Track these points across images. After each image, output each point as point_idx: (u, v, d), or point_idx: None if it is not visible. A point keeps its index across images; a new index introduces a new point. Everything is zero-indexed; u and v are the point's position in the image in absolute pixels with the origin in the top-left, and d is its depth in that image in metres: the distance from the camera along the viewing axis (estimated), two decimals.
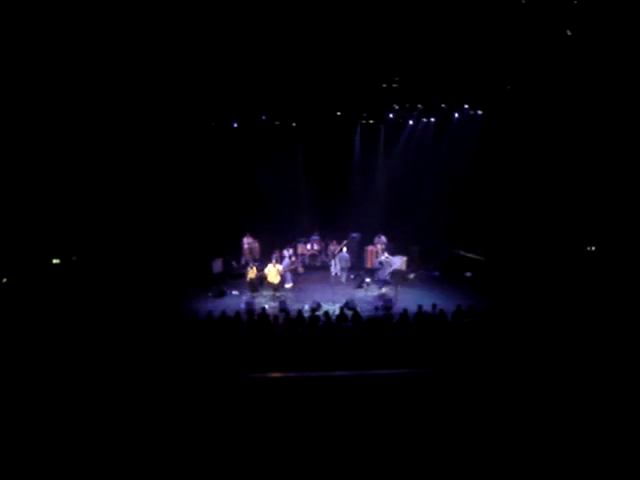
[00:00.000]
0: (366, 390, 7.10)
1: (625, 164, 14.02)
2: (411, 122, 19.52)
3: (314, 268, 18.44)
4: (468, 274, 16.50)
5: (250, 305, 13.07)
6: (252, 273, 15.20)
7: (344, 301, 13.11)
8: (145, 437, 6.04)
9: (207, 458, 5.75)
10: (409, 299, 13.87)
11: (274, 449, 5.88)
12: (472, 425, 6.29)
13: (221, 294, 15.18)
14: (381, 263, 15.59)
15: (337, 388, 7.13)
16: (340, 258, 17.11)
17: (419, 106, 18.49)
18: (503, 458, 5.73)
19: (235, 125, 19.01)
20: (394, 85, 16.45)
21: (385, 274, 15.46)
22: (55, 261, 15.47)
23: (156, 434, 6.09)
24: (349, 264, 17.00)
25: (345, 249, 17.22)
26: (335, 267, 17.55)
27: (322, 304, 13.18)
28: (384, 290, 15.20)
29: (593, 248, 15.47)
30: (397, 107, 18.72)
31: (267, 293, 15.12)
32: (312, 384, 7.24)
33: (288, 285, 15.77)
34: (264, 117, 18.86)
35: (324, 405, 6.64)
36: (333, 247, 17.87)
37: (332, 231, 18.87)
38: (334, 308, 12.57)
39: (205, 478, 5.56)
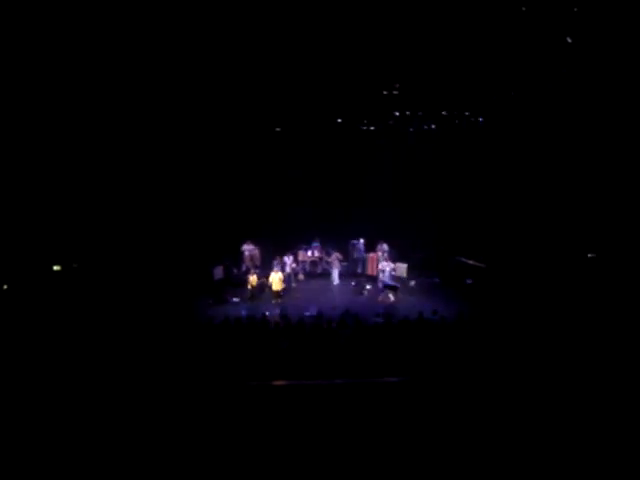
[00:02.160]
0: (367, 398, 7.08)
1: (626, 171, 14.03)
2: (412, 129, 19.55)
3: (315, 275, 18.43)
4: (469, 281, 16.49)
5: (251, 312, 13.04)
6: (253, 280, 15.20)
7: (345, 308, 13.07)
8: (148, 444, 6.02)
9: (209, 465, 5.73)
10: (410, 306, 13.85)
11: (275, 456, 5.86)
12: (473, 430, 6.27)
13: (222, 301, 15.16)
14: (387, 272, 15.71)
15: (338, 396, 7.12)
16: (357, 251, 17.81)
17: (420, 113, 18.53)
18: (508, 464, 5.71)
19: (237, 133, 19.06)
20: (395, 92, 16.52)
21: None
22: (56, 268, 15.46)
23: (159, 442, 6.07)
24: (362, 255, 17.71)
25: (363, 241, 18.08)
26: (336, 280, 17.64)
27: (323, 311, 13.14)
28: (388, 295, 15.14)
29: (594, 255, 15.45)
30: (398, 114, 18.77)
31: (268, 300, 15.11)
32: (313, 392, 7.23)
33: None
34: (266, 124, 18.89)
35: (326, 413, 6.62)
36: (333, 258, 17.89)
37: (333, 238, 18.85)
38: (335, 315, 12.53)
39: None
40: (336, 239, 18.78)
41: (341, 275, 17.80)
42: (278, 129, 19.26)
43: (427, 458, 5.86)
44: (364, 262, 18.02)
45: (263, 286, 15.39)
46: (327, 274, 18.10)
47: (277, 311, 13.62)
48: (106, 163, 16.16)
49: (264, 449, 5.96)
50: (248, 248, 17.89)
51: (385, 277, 15.71)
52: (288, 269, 16.87)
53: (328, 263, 18.06)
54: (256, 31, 12.47)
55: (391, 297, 15.03)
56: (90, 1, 11.35)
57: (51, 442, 6.06)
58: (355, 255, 17.98)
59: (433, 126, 19.29)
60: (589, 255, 15.48)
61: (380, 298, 15.12)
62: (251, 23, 12.20)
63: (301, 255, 18.58)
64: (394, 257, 16.93)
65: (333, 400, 6.94)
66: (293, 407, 6.77)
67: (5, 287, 13.91)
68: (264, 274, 15.86)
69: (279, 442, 6.09)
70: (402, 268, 16.52)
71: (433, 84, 15.62)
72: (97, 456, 5.86)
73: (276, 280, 14.97)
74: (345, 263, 18.92)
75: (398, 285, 15.45)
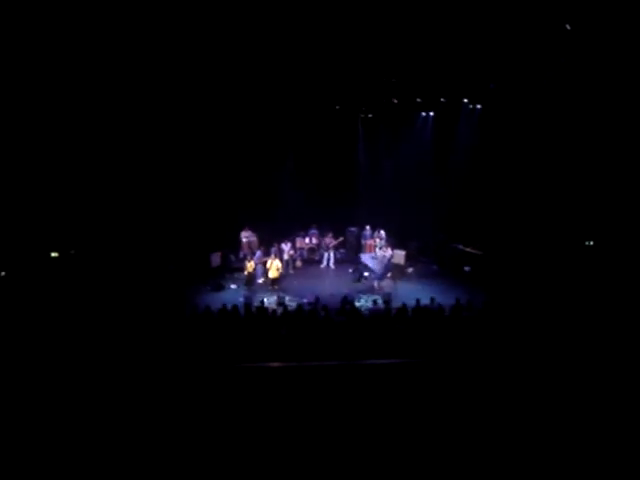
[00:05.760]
0: (362, 379, 7.15)
1: (623, 158, 14.01)
2: (410, 116, 19.48)
3: (312, 262, 18.44)
4: (466, 268, 16.50)
5: (248, 299, 13.07)
6: (250, 267, 15.22)
7: (343, 295, 13.11)
8: (146, 427, 6.06)
9: (207, 446, 5.78)
10: (408, 293, 13.87)
11: (272, 436, 5.92)
12: (466, 416, 6.33)
13: (219, 288, 15.18)
14: (374, 258, 15.66)
15: (334, 377, 7.18)
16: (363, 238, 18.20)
17: (418, 100, 18.45)
18: (497, 451, 5.76)
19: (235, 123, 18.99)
20: (393, 80, 16.44)
21: (380, 268, 15.46)
22: (53, 254, 15.43)
23: (157, 423, 6.12)
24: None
25: (369, 228, 18.07)
26: (329, 260, 17.78)
27: (321, 298, 13.16)
28: (383, 284, 15.21)
29: (591, 243, 15.48)
30: (396, 101, 18.67)
31: (266, 287, 15.14)
32: (309, 373, 7.29)
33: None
34: (264, 110, 18.80)
35: (321, 393, 6.69)
36: (328, 240, 17.94)
37: (330, 225, 18.83)
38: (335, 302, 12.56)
39: (207, 465, 5.61)
40: (334, 226, 18.75)
41: (336, 260, 17.99)
42: (276, 116, 19.19)
43: (420, 439, 5.92)
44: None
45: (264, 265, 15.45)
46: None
47: (275, 298, 13.65)
48: (103, 150, 16.06)
49: (261, 430, 6.02)
50: (246, 235, 17.87)
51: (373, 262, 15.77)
52: (286, 256, 16.89)
53: (329, 248, 18.01)
54: (252, 18, 12.36)
55: (388, 284, 15.09)
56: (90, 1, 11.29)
57: (49, 426, 6.10)
58: (362, 242, 18.14)
59: (431, 113, 19.25)
60: (587, 243, 15.51)
61: (376, 285, 15.17)
62: (247, 11, 12.10)
63: (299, 242, 18.56)
64: (391, 244, 16.93)
65: (329, 382, 7.01)
66: (289, 388, 6.84)
67: (3, 274, 13.90)
68: (262, 261, 15.88)
69: (277, 422, 6.15)
70: (400, 255, 16.54)
71: (431, 71, 15.53)
72: (93, 437, 5.90)
73: (273, 267, 14.98)
74: (343, 250, 18.92)
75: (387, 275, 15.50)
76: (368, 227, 18.22)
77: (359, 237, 18.70)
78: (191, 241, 17.45)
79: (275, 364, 7.87)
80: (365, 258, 16.26)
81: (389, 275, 15.92)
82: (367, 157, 20.29)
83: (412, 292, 13.94)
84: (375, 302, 12.73)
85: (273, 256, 15.43)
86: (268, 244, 16.96)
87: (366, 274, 16.15)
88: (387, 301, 12.79)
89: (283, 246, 17.07)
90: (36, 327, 9.97)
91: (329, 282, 15.95)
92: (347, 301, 12.16)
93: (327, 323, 10.42)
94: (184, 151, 17.95)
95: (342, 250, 18.93)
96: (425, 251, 18.61)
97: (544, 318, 10.31)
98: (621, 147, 14.00)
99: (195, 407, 6.43)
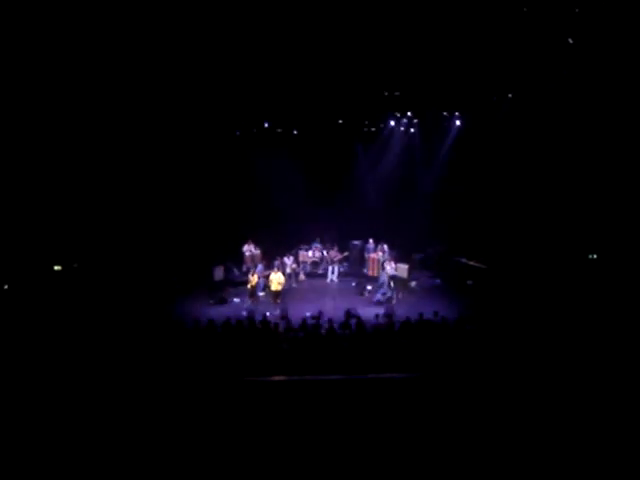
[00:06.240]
0: (366, 393, 7.12)
1: (626, 172, 14.02)
2: (412, 130, 19.57)
3: (316, 275, 18.42)
4: (470, 282, 16.45)
5: (251, 312, 13.04)
6: (253, 280, 15.18)
7: (346, 309, 13.06)
8: (148, 441, 6.03)
9: (209, 460, 5.76)
10: (411, 307, 13.83)
11: (274, 450, 5.89)
12: (471, 430, 6.29)
13: (222, 301, 15.15)
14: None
15: (337, 392, 7.15)
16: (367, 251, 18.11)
17: (420, 113, 18.55)
18: (503, 464, 5.72)
19: (238, 133, 19.10)
20: (395, 93, 16.54)
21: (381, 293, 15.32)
22: (56, 268, 15.44)
23: (159, 438, 6.09)
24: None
25: (372, 241, 17.95)
26: (333, 274, 17.71)
27: (324, 312, 13.10)
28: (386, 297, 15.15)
29: (595, 256, 15.44)
30: (398, 114, 18.78)
31: (268, 300, 15.09)
32: (313, 388, 7.26)
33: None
34: (267, 124, 18.94)
35: (325, 408, 6.66)
36: (334, 254, 17.92)
37: (334, 239, 18.84)
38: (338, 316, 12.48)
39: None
40: (336, 240, 18.76)
41: (339, 274, 17.95)
42: (279, 130, 19.32)
43: (424, 454, 5.89)
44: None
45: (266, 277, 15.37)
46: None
47: (277, 312, 13.60)
48: (107, 162, 16.16)
49: (264, 444, 5.99)
50: (249, 248, 17.87)
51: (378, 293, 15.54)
52: (288, 270, 16.86)
53: (333, 262, 17.96)
54: (255, 32, 12.48)
55: (393, 300, 15.00)
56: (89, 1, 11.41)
57: (49, 441, 6.06)
58: (365, 256, 18.19)
59: (433, 126, 19.30)
60: (590, 256, 15.47)
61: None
62: (250, 24, 12.22)
63: (302, 256, 18.58)
64: (395, 258, 16.91)
65: (332, 396, 6.98)
66: (292, 402, 6.81)
67: (6, 287, 13.90)
68: (265, 274, 15.86)
69: (280, 436, 6.12)
70: (403, 269, 16.50)
71: (432, 84, 15.63)
72: (98, 452, 5.87)
73: (275, 281, 14.87)
74: (346, 263, 18.92)
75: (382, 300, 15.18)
76: (371, 241, 18.24)
77: (362, 251, 18.69)
78: (194, 255, 17.46)
79: (278, 378, 7.83)
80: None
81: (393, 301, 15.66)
82: (370, 170, 20.34)
83: (415, 306, 13.88)
84: (378, 316, 12.67)
85: (275, 269, 15.38)
86: (271, 257, 16.94)
87: (369, 287, 16.11)
88: (390, 315, 12.73)
89: (285, 260, 17.06)
90: (39, 340, 9.94)
91: (332, 296, 15.91)
92: (351, 315, 12.12)
93: (330, 337, 10.38)
94: (188, 165, 18.05)
95: (345, 264, 18.94)
96: (428, 265, 18.58)
97: (548, 331, 10.26)
98: (624, 160, 14.02)
99: (197, 421, 6.40)
